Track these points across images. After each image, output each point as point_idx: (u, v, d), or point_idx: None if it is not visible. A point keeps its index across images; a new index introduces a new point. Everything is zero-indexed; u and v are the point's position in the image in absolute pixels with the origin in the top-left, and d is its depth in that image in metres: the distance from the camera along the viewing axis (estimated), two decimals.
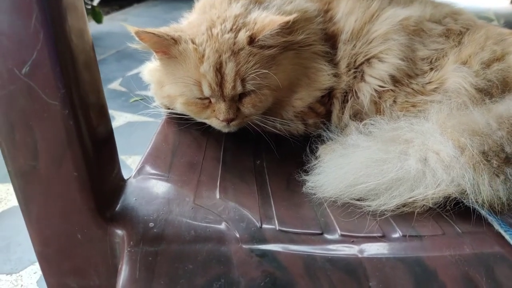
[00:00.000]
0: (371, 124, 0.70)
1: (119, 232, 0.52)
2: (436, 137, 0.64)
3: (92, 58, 0.55)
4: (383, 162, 0.63)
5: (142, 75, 0.87)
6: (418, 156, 0.63)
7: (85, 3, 2.63)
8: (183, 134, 0.78)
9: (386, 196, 0.61)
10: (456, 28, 0.84)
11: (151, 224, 0.53)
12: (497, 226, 0.57)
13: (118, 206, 0.55)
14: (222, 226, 0.54)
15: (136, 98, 2.12)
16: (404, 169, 0.62)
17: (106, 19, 3.09)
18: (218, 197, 0.61)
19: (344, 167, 0.65)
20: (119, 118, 2.12)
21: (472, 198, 0.59)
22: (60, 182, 0.51)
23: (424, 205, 0.60)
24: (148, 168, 0.64)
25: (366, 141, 0.68)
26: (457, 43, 0.82)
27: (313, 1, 0.91)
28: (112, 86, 2.48)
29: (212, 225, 0.54)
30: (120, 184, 0.59)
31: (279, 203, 0.62)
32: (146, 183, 0.61)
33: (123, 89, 2.43)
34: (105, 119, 0.58)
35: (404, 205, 0.60)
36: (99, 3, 2.66)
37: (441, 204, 0.60)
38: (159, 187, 0.61)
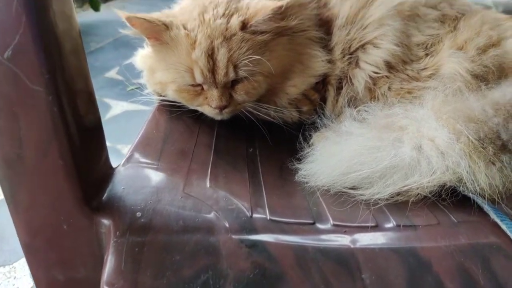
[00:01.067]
0: (365, 111, 0.69)
1: (106, 222, 0.51)
2: (431, 124, 0.63)
3: (79, 45, 0.53)
4: (377, 150, 0.62)
5: (135, 62, 0.86)
6: (413, 143, 0.62)
7: None
8: (175, 121, 0.77)
9: (380, 184, 0.60)
10: (451, 13, 0.82)
11: (139, 214, 0.51)
12: (493, 216, 0.56)
13: (105, 195, 0.54)
14: (212, 215, 0.53)
15: (133, 87, 2.10)
16: (398, 157, 0.61)
17: (104, 7, 3.05)
18: (208, 185, 0.59)
19: (337, 155, 0.64)
20: (116, 107, 2.10)
21: (468, 186, 0.58)
22: (46, 171, 0.49)
23: (418, 194, 0.59)
24: (138, 156, 0.63)
25: (359, 128, 0.67)
26: (452, 28, 0.80)
27: None
28: (109, 74, 2.46)
29: (201, 215, 0.53)
30: (108, 172, 0.57)
31: (271, 192, 0.61)
32: (135, 171, 0.60)
33: (120, 77, 2.41)
34: (93, 107, 0.57)
35: (398, 194, 0.59)
36: None
37: (436, 193, 0.59)
38: (148, 175, 0.59)
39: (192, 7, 0.77)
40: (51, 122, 0.46)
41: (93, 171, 0.54)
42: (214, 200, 0.57)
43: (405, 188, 0.59)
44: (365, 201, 0.59)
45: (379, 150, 0.62)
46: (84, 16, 3.15)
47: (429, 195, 0.59)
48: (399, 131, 0.64)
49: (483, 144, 0.59)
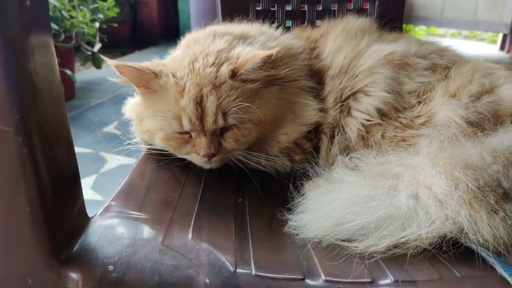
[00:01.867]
0: (358, 158, 0.66)
1: (74, 276, 0.46)
2: (427, 171, 0.60)
3: (59, 93, 0.52)
4: (371, 199, 0.59)
5: (124, 111, 0.85)
6: (409, 191, 0.58)
7: (86, 49, 2.68)
8: (162, 170, 0.74)
9: (376, 236, 0.55)
10: (442, 63, 0.83)
11: (111, 268, 0.47)
12: (500, 269, 0.51)
13: (76, 246, 0.50)
14: (191, 271, 0.49)
15: (129, 141, 2.09)
16: (394, 206, 0.57)
17: (106, 65, 3.14)
18: (190, 237, 0.55)
19: (329, 204, 0.60)
20: (111, 161, 2.08)
21: (471, 237, 0.54)
22: (11, 216, 0.46)
23: (417, 246, 0.54)
24: (117, 206, 0.59)
25: (352, 176, 0.64)
26: (443, 76, 0.80)
27: (300, 39, 0.91)
28: (107, 129, 2.46)
29: (180, 270, 0.48)
30: (82, 222, 0.54)
31: (258, 244, 0.57)
32: (112, 221, 0.56)
33: (117, 132, 2.41)
34: (70, 154, 0.55)
35: (395, 246, 0.55)
36: (102, 50, 2.71)
37: (436, 244, 0.55)
38: (126, 226, 0.56)
39: (182, 56, 0.77)
40: (19, 164, 0.44)
41: (64, 220, 0.50)
42: (195, 254, 0.52)
43: (402, 239, 0.54)
44: (359, 254, 0.54)
45: (374, 199, 0.59)
46: (86, 73, 3.23)
47: (429, 247, 0.54)
48: (394, 179, 0.61)
49: (484, 192, 0.56)
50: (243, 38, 0.81)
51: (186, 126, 0.72)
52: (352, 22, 0.91)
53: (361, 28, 0.89)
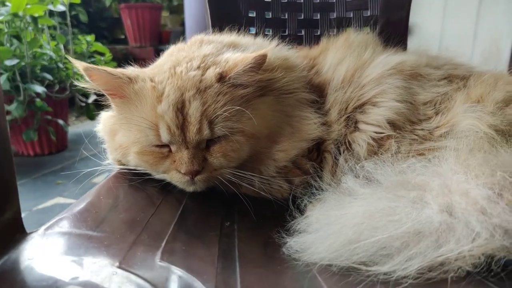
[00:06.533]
0: (372, 166, 0.54)
1: None
2: (459, 177, 0.48)
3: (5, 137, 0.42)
4: (392, 211, 0.46)
5: (97, 130, 0.74)
6: (441, 201, 0.46)
7: (80, 101, 2.64)
8: (134, 189, 0.61)
9: (402, 256, 0.42)
10: (458, 73, 0.73)
11: None
12: None
13: None
14: None
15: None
16: (423, 219, 0.44)
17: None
18: (158, 259, 0.42)
19: (339, 220, 0.47)
20: None
21: None
22: None
23: (459, 267, 0.41)
24: (67, 222, 0.46)
25: (365, 187, 0.51)
26: (461, 86, 0.70)
27: (299, 57, 0.82)
28: (96, 180, 2.34)
29: None
30: (12, 237, 0.40)
31: (248, 270, 0.43)
32: (55, 239, 0.43)
33: None
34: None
35: (430, 269, 0.41)
36: (96, 102, 2.68)
37: (483, 266, 0.41)
38: (74, 245, 0.42)
39: (163, 62, 0.68)
40: None
41: None
42: (163, 279, 0.39)
43: (439, 259, 0.41)
44: (383, 279, 0.40)
45: (396, 211, 0.46)
46: (80, 127, 3.18)
47: (474, 270, 0.41)
48: (418, 190, 0.49)
49: None
50: (233, 46, 0.73)
51: (165, 136, 0.60)
52: (353, 36, 0.83)
53: (364, 41, 0.81)
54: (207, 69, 0.64)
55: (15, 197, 0.42)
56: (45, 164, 2.33)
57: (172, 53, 0.71)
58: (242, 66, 0.62)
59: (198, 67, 0.64)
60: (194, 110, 0.60)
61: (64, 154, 2.57)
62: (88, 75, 0.62)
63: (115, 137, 0.67)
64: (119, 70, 0.64)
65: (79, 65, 0.61)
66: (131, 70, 0.66)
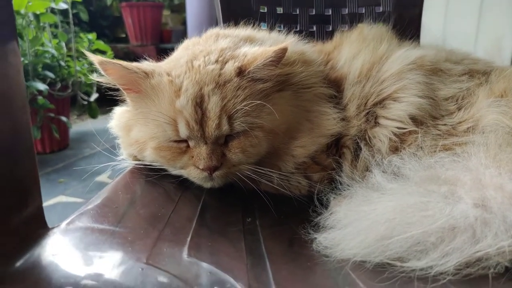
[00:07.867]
0: (399, 160, 0.53)
1: None
2: (492, 171, 0.47)
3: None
4: (424, 206, 0.45)
5: (110, 124, 0.72)
6: (474, 195, 0.44)
7: (82, 99, 2.62)
8: (151, 184, 0.60)
9: (439, 251, 0.41)
10: (479, 68, 0.72)
11: None
12: None
13: (21, 261, 0.34)
14: None
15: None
16: (458, 214, 0.43)
17: (101, 115, 3.07)
18: (185, 255, 0.40)
19: (369, 215, 0.46)
20: None
21: None
22: None
23: (498, 263, 0.40)
24: (88, 217, 0.45)
25: (392, 183, 0.50)
26: (483, 81, 0.69)
27: (314, 52, 0.81)
28: (100, 178, 2.32)
29: None
30: (35, 232, 0.39)
31: (278, 265, 0.41)
32: (78, 235, 0.41)
33: (111, 181, 2.27)
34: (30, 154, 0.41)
35: (467, 265, 0.40)
36: (98, 100, 2.65)
37: None
38: (97, 241, 0.41)
39: (179, 56, 0.67)
40: None
41: (5, 224, 0.36)
42: (193, 275, 0.37)
43: (477, 254, 0.40)
44: (420, 276, 0.39)
45: (428, 207, 0.45)
46: (82, 125, 3.15)
47: (511, 266, 0.40)
48: (449, 184, 0.48)
49: None
50: (249, 40, 0.71)
51: (183, 132, 0.59)
52: (367, 30, 0.82)
53: (378, 34, 0.80)
54: (225, 63, 0.62)
55: (37, 191, 0.41)
56: (47, 162, 2.31)
57: (188, 47, 0.70)
58: (262, 59, 0.60)
59: (216, 61, 0.62)
60: (213, 105, 0.58)
61: (65, 152, 2.55)
62: (103, 69, 0.60)
63: (130, 132, 0.65)
64: (135, 64, 0.63)
65: (95, 59, 0.60)
66: (147, 64, 0.65)
